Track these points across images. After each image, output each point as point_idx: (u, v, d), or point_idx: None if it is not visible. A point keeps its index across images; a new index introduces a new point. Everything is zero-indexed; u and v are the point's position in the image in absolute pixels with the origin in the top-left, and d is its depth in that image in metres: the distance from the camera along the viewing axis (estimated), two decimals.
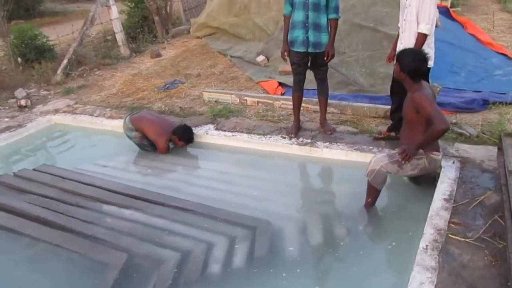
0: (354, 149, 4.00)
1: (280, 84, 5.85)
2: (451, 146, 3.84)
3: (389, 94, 4.12)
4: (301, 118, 4.58)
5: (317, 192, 3.83)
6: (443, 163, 3.46)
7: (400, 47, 3.67)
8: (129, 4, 9.67)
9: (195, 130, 4.64)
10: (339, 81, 5.62)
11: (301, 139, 4.32)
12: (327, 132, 4.35)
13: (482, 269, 2.47)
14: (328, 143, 4.17)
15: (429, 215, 2.94)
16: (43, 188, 3.82)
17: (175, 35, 9.70)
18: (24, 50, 7.46)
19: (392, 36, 5.58)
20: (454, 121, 4.29)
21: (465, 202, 3.06)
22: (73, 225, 3.27)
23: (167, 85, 6.41)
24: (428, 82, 3.43)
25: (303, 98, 4.47)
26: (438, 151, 3.19)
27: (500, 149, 3.31)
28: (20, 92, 6.45)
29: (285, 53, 4.18)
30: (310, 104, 4.94)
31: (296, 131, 4.42)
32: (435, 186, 3.30)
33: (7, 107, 6.14)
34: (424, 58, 3.08)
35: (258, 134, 4.50)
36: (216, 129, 4.74)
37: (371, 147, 3.98)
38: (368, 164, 3.19)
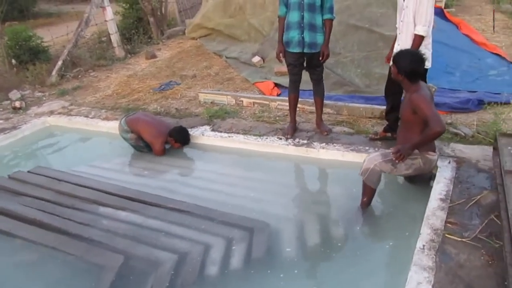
0: (350, 150, 4.01)
1: (276, 85, 5.85)
2: (447, 146, 3.86)
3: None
4: (297, 119, 4.58)
5: (313, 193, 3.83)
6: (439, 163, 3.47)
7: (397, 48, 3.68)
8: (124, 5, 9.65)
9: (191, 131, 4.62)
10: (335, 81, 5.63)
11: (297, 139, 4.32)
12: (323, 133, 4.35)
13: (479, 269, 2.48)
14: (324, 143, 4.17)
15: (425, 215, 2.95)
16: (38, 190, 3.80)
17: (170, 36, 9.69)
18: (18, 51, 7.43)
19: (387, 37, 5.63)
20: (449, 121, 4.32)
21: (462, 202, 3.07)
22: (69, 228, 3.25)
23: (163, 86, 6.39)
24: (426, 82, 3.44)
25: (299, 99, 4.47)
26: (434, 151, 3.20)
27: (495, 148, 3.33)
28: (14, 94, 6.41)
29: (281, 54, 4.19)
30: (306, 105, 4.95)
31: (292, 132, 4.42)
32: (430, 186, 3.31)
33: (1, 109, 6.11)
34: (421, 59, 3.09)
35: (254, 135, 4.50)
36: (212, 130, 4.73)
37: (367, 148, 3.99)
38: (362, 163, 3.20)
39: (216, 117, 5.04)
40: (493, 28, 5.11)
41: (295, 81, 4.30)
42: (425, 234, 2.77)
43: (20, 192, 3.80)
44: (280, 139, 4.37)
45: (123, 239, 3.11)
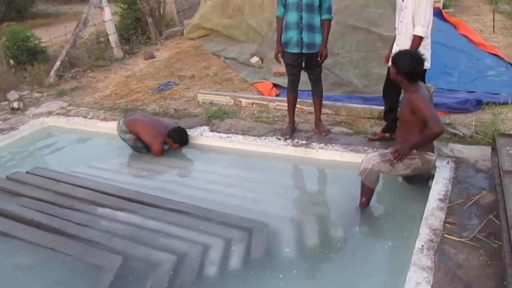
0: (349, 150, 4.01)
1: (275, 85, 5.85)
2: (445, 146, 3.86)
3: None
4: (296, 119, 4.58)
5: (312, 193, 3.83)
6: (437, 163, 3.47)
7: (396, 48, 3.68)
8: (122, 5, 9.63)
9: (190, 132, 4.62)
10: (333, 82, 5.63)
11: (296, 140, 4.32)
12: (322, 133, 4.35)
13: (477, 269, 2.49)
14: (323, 144, 4.18)
15: (424, 215, 2.95)
16: (36, 191, 3.79)
17: (168, 36, 9.68)
18: (16, 52, 7.41)
19: (385, 37, 5.63)
20: (448, 121, 4.32)
21: (460, 202, 3.07)
22: (67, 228, 3.24)
23: (161, 87, 6.39)
24: (424, 83, 3.44)
25: (298, 99, 4.47)
26: (433, 151, 3.20)
27: (494, 149, 3.33)
28: (12, 95, 6.40)
29: (279, 55, 4.19)
30: (305, 105, 4.95)
31: (291, 132, 4.42)
32: (429, 186, 3.31)
33: None
34: (420, 59, 3.09)
35: (253, 135, 4.50)
36: (211, 130, 4.73)
37: (366, 148, 3.99)
38: (360, 164, 3.20)
39: (215, 118, 5.03)
40: (493, 28, 5.12)
41: (294, 81, 4.30)
42: (424, 234, 2.77)
43: (18, 193, 3.79)
44: (279, 139, 4.37)
45: (122, 240, 3.10)
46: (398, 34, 3.74)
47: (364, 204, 3.28)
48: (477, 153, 3.70)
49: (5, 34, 7.53)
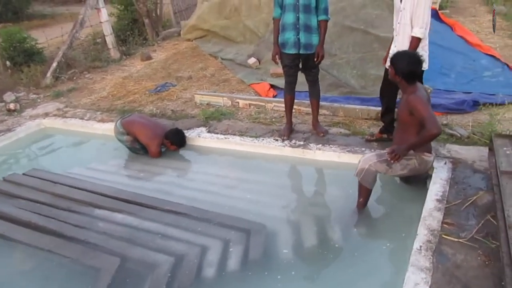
0: (347, 151, 4.01)
1: (272, 86, 5.85)
2: (443, 147, 3.87)
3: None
4: (294, 120, 4.59)
5: (310, 194, 3.83)
6: (435, 164, 3.48)
7: (394, 49, 3.68)
8: (118, 6, 9.63)
9: (187, 133, 4.61)
10: (331, 83, 5.63)
11: (293, 141, 4.32)
12: (319, 134, 4.36)
13: (475, 269, 2.49)
14: (320, 145, 4.18)
15: (422, 215, 2.96)
16: (33, 193, 3.78)
17: (165, 37, 9.67)
18: (13, 53, 7.39)
19: (382, 38, 5.64)
20: (444, 122, 4.33)
21: (458, 203, 3.08)
22: (64, 230, 3.23)
23: (158, 88, 6.38)
24: (422, 84, 3.45)
25: (295, 100, 4.48)
26: (430, 152, 3.21)
27: (491, 149, 3.34)
28: (8, 96, 6.37)
29: (276, 56, 4.19)
30: (302, 106, 4.95)
31: (288, 133, 4.42)
32: (427, 187, 3.32)
33: None
34: (418, 60, 3.10)
35: (251, 136, 4.50)
36: (208, 131, 4.72)
37: (363, 149, 3.99)
38: (357, 164, 3.21)
39: (212, 119, 5.03)
40: (494, 28, 5.14)
41: (291, 82, 4.30)
42: (422, 234, 2.77)
43: (15, 194, 3.78)
44: (277, 140, 4.37)
45: (119, 242, 3.09)
46: (396, 35, 3.75)
47: (362, 205, 3.28)
48: (474, 154, 3.71)
49: (2, 35, 7.52)
